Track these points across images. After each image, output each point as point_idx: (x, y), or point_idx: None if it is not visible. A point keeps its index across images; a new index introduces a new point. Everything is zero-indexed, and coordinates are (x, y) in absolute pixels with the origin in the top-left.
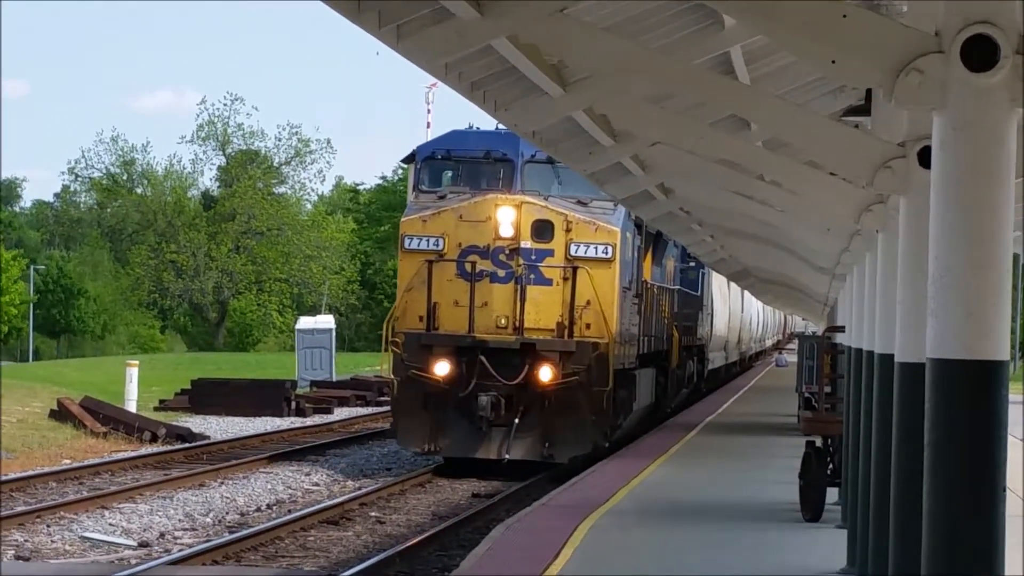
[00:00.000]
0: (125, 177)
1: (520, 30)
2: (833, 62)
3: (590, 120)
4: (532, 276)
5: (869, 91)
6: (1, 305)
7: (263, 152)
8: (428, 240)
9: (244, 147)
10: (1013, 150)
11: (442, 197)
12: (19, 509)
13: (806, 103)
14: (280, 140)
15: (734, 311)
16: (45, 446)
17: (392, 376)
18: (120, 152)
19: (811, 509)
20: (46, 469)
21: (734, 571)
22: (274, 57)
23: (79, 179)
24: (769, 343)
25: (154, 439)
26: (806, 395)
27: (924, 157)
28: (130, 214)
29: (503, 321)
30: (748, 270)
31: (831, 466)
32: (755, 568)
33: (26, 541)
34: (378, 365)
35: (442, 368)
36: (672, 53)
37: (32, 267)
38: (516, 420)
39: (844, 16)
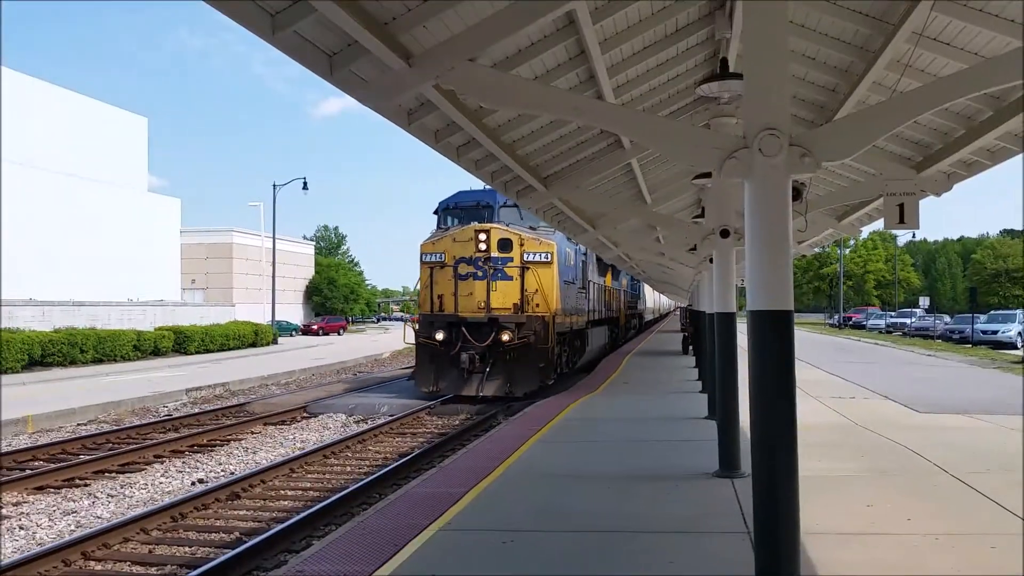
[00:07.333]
0: None
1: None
2: (690, 158)
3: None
4: (499, 274)
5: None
6: None
7: None
8: (435, 255)
9: None
10: (789, 196)
11: (445, 229)
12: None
13: (677, 186)
14: None
15: (653, 299)
16: None
17: (413, 343)
18: None
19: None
20: None
21: (649, 414)
22: None
23: None
24: (666, 311)
25: None
26: (683, 332)
27: (725, 234)
28: None
29: (480, 305)
30: (648, 275)
31: (691, 346)
32: (662, 412)
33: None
34: None
35: (440, 336)
36: (596, 161)
37: None
38: (487, 369)
39: (695, 135)
